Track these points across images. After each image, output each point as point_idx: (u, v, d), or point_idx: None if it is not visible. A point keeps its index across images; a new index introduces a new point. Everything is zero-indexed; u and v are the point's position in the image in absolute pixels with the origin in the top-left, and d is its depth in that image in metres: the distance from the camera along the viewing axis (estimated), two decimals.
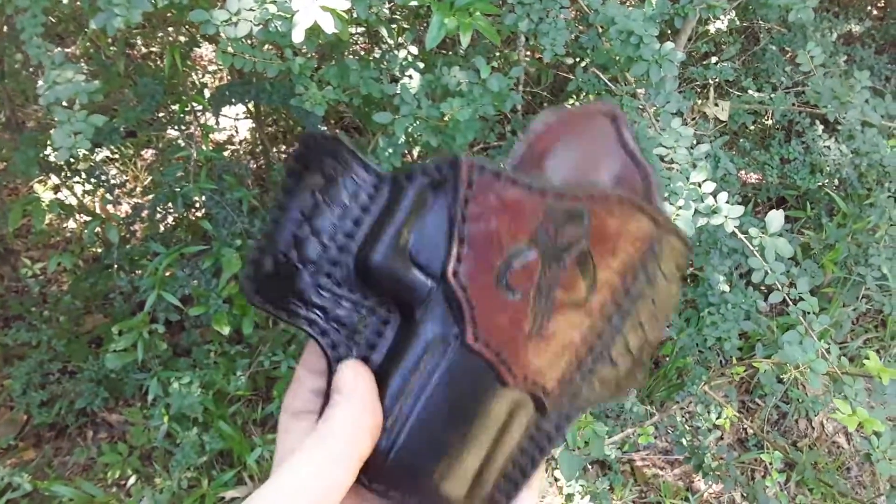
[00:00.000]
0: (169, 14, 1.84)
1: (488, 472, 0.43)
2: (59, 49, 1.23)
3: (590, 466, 1.89)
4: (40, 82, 1.21)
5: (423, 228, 0.44)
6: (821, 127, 1.99)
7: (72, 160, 1.83)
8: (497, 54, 1.91)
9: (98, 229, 1.85)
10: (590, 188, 0.45)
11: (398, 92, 1.29)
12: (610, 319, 0.45)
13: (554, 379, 0.44)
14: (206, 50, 2.78)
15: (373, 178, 0.45)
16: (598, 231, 0.45)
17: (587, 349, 0.45)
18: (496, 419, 0.43)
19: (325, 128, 1.85)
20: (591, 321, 0.44)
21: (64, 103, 1.19)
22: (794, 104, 1.89)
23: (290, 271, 0.45)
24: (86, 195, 2.03)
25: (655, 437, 1.99)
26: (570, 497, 1.37)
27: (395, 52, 1.40)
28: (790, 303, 1.16)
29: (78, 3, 1.56)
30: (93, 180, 1.88)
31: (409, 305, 0.43)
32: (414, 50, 1.39)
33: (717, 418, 1.67)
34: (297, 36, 1.02)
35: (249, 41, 1.35)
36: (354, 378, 0.41)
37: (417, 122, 1.29)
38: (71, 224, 2.34)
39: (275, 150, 2.45)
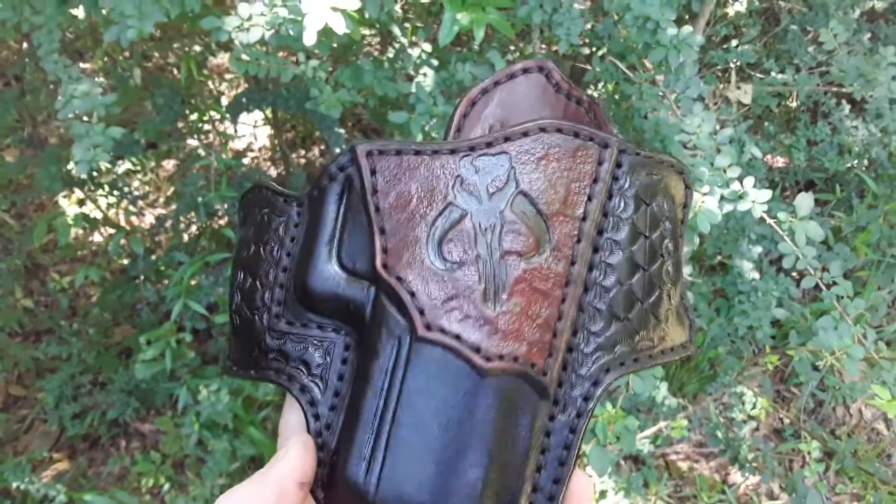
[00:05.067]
0: (184, 24, 1.85)
1: (503, 483, 0.37)
2: (76, 64, 1.24)
3: (623, 462, 1.86)
4: (60, 97, 1.22)
5: (348, 234, 0.41)
6: (847, 107, 1.94)
7: (94, 174, 1.85)
8: (512, 48, 1.89)
9: (123, 241, 1.86)
10: (505, 130, 0.41)
11: (413, 91, 1.28)
12: (592, 267, 0.41)
13: (542, 350, 0.39)
14: (221, 59, 2.80)
15: (295, 206, 0.44)
16: (529, 171, 0.40)
17: (574, 306, 0.40)
18: (487, 418, 0.37)
19: (343, 130, 1.84)
20: (565, 273, 0.40)
21: (85, 118, 1.19)
22: (818, 84, 1.84)
23: (247, 324, 0.43)
24: (110, 208, 2.05)
25: (689, 430, 1.95)
26: (603, 493, 1.35)
27: (409, 50, 1.39)
28: (823, 288, 1.13)
29: (94, 18, 1.58)
30: (116, 193, 1.90)
31: (358, 319, 0.41)
32: (427, 47, 1.38)
33: (752, 409, 1.63)
34: (309, 38, 1.01)
35: (264, 48, 1.35)
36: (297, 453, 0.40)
37: (434, 120, 1.28)
38: (97, 237, 2.36)
39: (294, 155, 2.46)
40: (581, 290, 0.40)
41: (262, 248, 0.43)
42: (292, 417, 0.43)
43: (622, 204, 0.41)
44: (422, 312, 0.38)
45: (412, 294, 0.38)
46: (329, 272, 0.41)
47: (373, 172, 0.40)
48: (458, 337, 0.37)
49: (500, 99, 0.45)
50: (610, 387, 0.40)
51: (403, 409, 0.37)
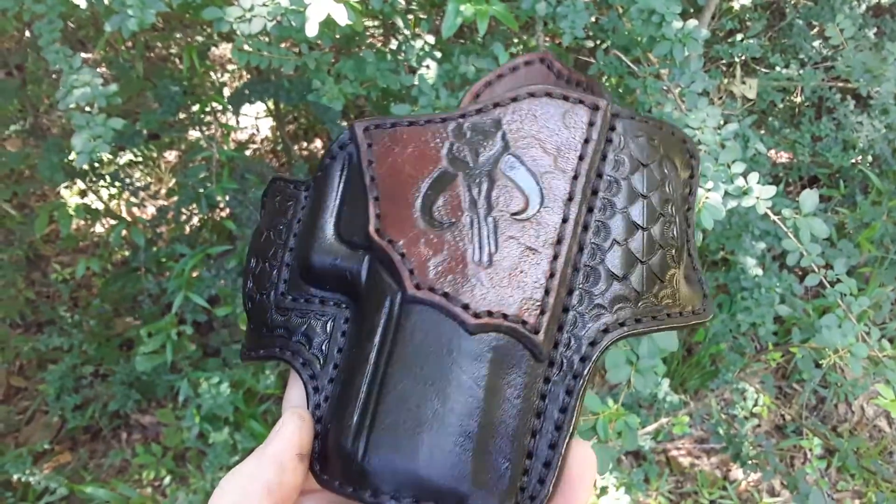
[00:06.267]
0: (187, 14, 1.84)
1: (493, 447, 0.36)
2: (77, 54, 1.23)
3: (623, 457, 1.86)
4: (60, 87, 1.22)
5: (346, 207, 0.42)
6: (852, 102, 1.93)
7: (96, 164, 1.84)
8: (515, 41, 1.88)
9: (124, 232, 1.86)
10: (495, 96, 0.42)
11: (416, 83, 1.27)
12: (587, 227, 0.40)
13: (533, 308, 0.38)
14: (224, 49, 2.79)
15: (303, 190, 0.45)
16: (519, 133, 0.41)
17: (567, 264, 0.39)
18: (475, 377, 0.36)
19: (345, 123, 1.83)
20: (556, 230, 0.39)
21: (87, 108, 1.19)
22: (823, 79, 1.83)
23: (257, 306, 0.44)
24: (111, 199, 2.05)
25: (690, 426, 1.95)
26: (604, 490, 1.35)
27: (412, 42, 1.38)
28: (827, 285, 1.12)
29: (96, 7, 1.57)
30: (117, 184, 1.89)
31: (354, 288, 0.41)
32: (431, 39, 1.37)
33: (754, 406, 1.62)
34: (311, 29, 1.01)
35: (266, 38, 1.34)
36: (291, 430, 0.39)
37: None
38: (98, 228, 2.36)
39: (296, 147, 2.45)
40: (575, 249, 0.39)
41: (271, 233, 0.45)
42: (294, 392, 0.43)
43: (617, 165, 0.41)
44: (412, 272, 0.38)
45: (402, 255, 0.38)
46: (328, 245, 0.41)
47: (370, 146, 0.41)
48: (446, 295, 0.37)
49: (503, 90, 0.45)
50: (609, 348, 0.39)
51: (391, 373, 0.37)
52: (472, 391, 0.36)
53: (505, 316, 0.37)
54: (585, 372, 0.38)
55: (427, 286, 0.37)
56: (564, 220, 0.39)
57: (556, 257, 0.39)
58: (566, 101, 0.41)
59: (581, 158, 0.40)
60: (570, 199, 0.40)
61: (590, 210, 0.40)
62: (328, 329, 0.42)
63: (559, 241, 0.39)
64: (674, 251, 0.42)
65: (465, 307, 0.37)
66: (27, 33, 1.96)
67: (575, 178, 0.40)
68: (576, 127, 0.41)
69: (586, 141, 0.41)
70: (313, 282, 0.42)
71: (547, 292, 0.38)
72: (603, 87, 0.46)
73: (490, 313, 0.37)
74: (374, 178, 0.40)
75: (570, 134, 0.41)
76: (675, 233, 0.43)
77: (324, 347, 0.41)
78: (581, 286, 0.39)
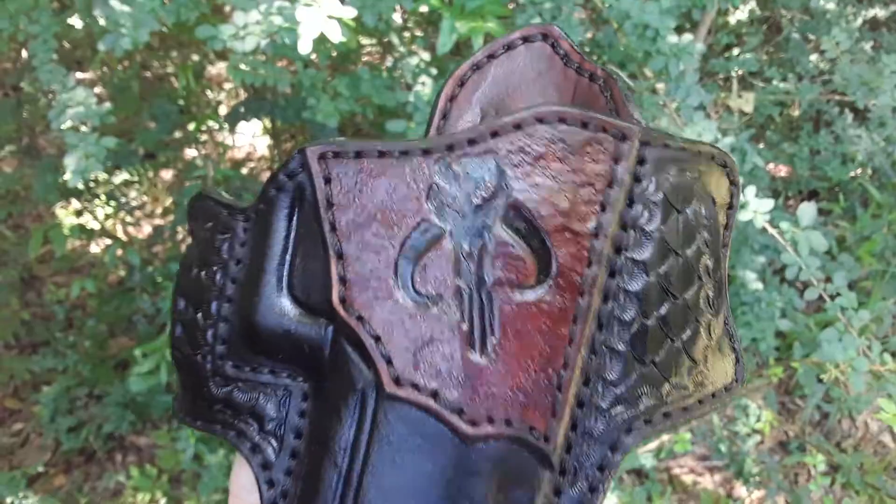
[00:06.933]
0: (182, 34, 1.85)
1: None
2: (71, 73, 1.23)
3: (625, 476, 1.84)
4: (53, 107, 1.21)
5: (300, 258, 0.33)
6: (850, 115, 1.93)
7: (91, 184, 1.83)
8: None
9: (119, 252, 1.85)
10: (493, 121, 0.32)
11: (411, 100, 1.27)
12: (607, 297, 0.32)
13: (542, 408, 0.30)
14: (220, 68, 2.80)
15: (241, 220, 0.35)
16: (524, 175, 0.31)
17: (584, 349, 0.31)
18: (474, 498, 0.30)
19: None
20: (571, 306, 0.31)
21: (83, 128, 1.18)
22: (820, 93, 1.83)
23: (190, 365, 0.35)
24: (107, 218, 2.04)
25: (693, 443, 1.93)
26: None
27: (408, 59, 1.37)
28: (827, 299, 1.11)
29: (91, 27, 1.57)
30: (113, 203, 1.89)
31: (315, 364, 0.33)
32: (426, 56, 1.37)
33: (756, 422, 1.61)
34: (304, 47, 1.00)
35: (262, 56, 1.34)
36: None
37: None
38: (94, 248, 2.35)
39: None
40: (594, 327, 0.32)
41: (203, 272, 0.35)
42: (243, 473, 0.36)
43: (646, 213, 0.32)
44: (389, 362, 0.31)
45: (377, 339, 0.31)
46: (279, 305, 0.33)
47: (327, 181, 0.32)
48: (434, 394, 0.30)
49: (495, 76, 0.36)
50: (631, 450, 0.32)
51: (368, 486, 0.30)
52: None
53: (508, 422, 0.30)
54: (603, 486, 0.32)
55: (409, 381, 0.30)
56: (581, 293, 0.31)
57: (570, 341, 0.31)
58: (585, 129, 0.32)
59: (603, 209, 0.32)
60: (589, 264, 0.32)
61: (611, 274, 0.32)
62: (282, 408, 0.34)
63: (574, 320, 0.31)
64: (710, 317, 0.35)
65: (459, 411, 0.30)
66: (23, 53, 1.96)
67: (595, 235, 0.32)
68: (598, 165, 0.32)
69: (610, 185, 0.32)
70: (260, 348, 0.34)
71: (559, 387, 0.31)
72: (623, 85, 0.37)
73: (491, 420, 0.30)
74: (336, 227, 0.31)
75: (590, 175, 0.32)
76: (710, 293, 0.35)
77: (277, 431, 0.34)
78: (599, 373, 0.32)
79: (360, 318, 0.31)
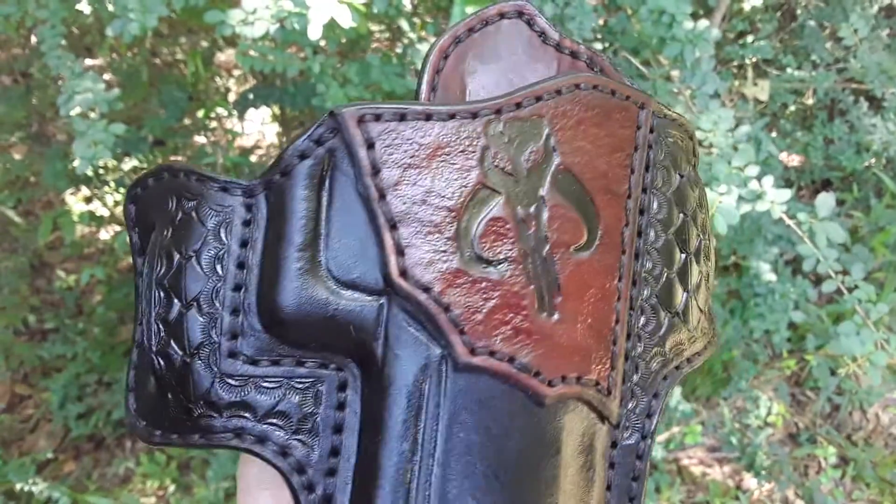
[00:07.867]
0: (191, 20, 1.83)
1: None
2: (80, 59, 1.22)
3: None
4: (62, 93, 1.20)
5: (336, 232, 0.30)
6: (865, 104, 1.90)
7: (100, 171, 1.83)
8: None
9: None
10: (533, 85, 0.32)
11: None
12: (638, 255, 0.33)
13: (603, 362, 0.31)
14: (229, 55, 2.78)
15: (240, 196, 0.32)
16: (569, 139, 0.32)
17: (627, 304, 0.32)
18: (553, 462, 0.29)
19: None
20: (616, 264, 0.32)
21: (91, 114, 1.17)
22: (836, 81, 1.81)
23: (180, 374, 0.31)
24: (116, 205, 2.04)
25: (703, 435, 1.92)
26: None
27: (418, 45, 1.36)
28: (845, 291, 1.10)
29: (99, 13, 1.56)
30: (122, 190, 1.88)
31: (363, 347, 0.30)
32: None
33: (767, 415, 1.59)
34: (314, 32, 0.99)
35: (271, 43, 1.33)
36: None
37: None
38: (103, 235, 2.35)
39: None
40: (631, 283, 0.33)
41: (193, 260, 0.31)
42: (253, 467, 0.33)
43: (659, 176, 0.35)
44: (462, 332, 0.29)
45: (446, 308, 0.29)
46: (311, 287, 0.30)
47: (370, 146, 0.30)
48: (511, 359, 0.29)
49: (476, 52, 0.35)
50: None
51: (444, 463, 0.28)
52: (550, 478, 0.29)
53: (579, 379, 0.30)
54: (653, 429, 0.32)
55: (485, 349, 0.29)
56: (623, 252, 0.32)
57: (618, 297, 0.32)
58: (613, 97, 0.33)
59: (632, 171, 0.33)
60: (627, 224, 0.33)
61: (638, 234, 0.34)
62: (316, 402, 0.31)
63: (620, 278, 0.32)
64: (707, 271, 0.37)
65: (536, 373, 0.29)
66: (33, 39, 1.96)
67: (628, 196, 0.33)
68: (625, 131, 0.33)
69: (635, 149, 0.34)
70: (290, 338, 0.31)
71: (614, 342, 0.32)
72: (613, 63, 0.38)
73: (564, 378, 0.30)
74: (385, 194, 0.30)
75: (620, 140, 0.33)
76: (706, 246, 0.37)
77: (313, 427, 0.31)
78: (636, 326, 0.33)
79: (424, 288, 0.29)
